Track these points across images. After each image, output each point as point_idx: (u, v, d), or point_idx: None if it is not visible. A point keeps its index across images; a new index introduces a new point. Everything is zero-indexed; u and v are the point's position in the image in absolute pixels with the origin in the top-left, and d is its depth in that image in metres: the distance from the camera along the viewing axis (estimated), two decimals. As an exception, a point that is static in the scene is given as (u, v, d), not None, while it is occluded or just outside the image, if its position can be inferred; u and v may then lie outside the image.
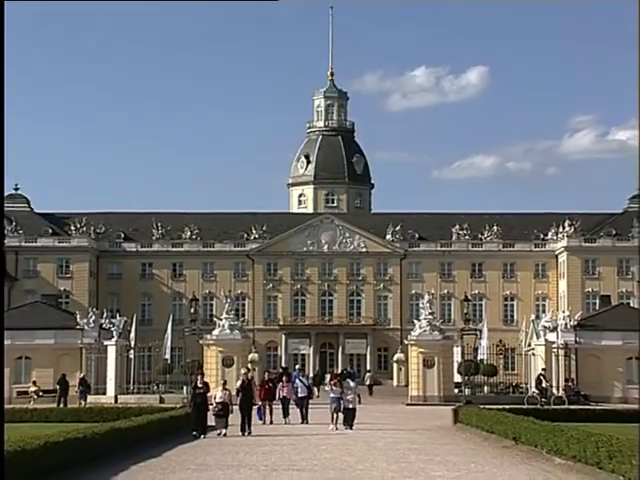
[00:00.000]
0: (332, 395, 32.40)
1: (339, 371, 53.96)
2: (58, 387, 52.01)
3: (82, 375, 53.80)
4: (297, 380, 37.55)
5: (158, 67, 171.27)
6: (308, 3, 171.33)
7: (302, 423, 33.96)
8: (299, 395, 35.83)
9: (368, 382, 65.88)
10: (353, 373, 51.94)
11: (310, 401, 36.72)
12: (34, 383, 55.66)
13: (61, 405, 48.27)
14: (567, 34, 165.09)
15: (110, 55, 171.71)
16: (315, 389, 49.95)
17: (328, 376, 41.99)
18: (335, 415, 31.87)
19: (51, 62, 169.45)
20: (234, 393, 31.21)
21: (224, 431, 28.69)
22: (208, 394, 29.54)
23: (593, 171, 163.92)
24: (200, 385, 29.48)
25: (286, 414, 34.51)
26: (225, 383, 31.97)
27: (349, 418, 31.83)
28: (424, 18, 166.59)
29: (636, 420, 34.20)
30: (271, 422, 33.45)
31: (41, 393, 54.20)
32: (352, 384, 33.59)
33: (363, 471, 18.47)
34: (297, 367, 52.43)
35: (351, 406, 32.10)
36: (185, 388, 52.71)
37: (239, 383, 31.66)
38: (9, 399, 51.87)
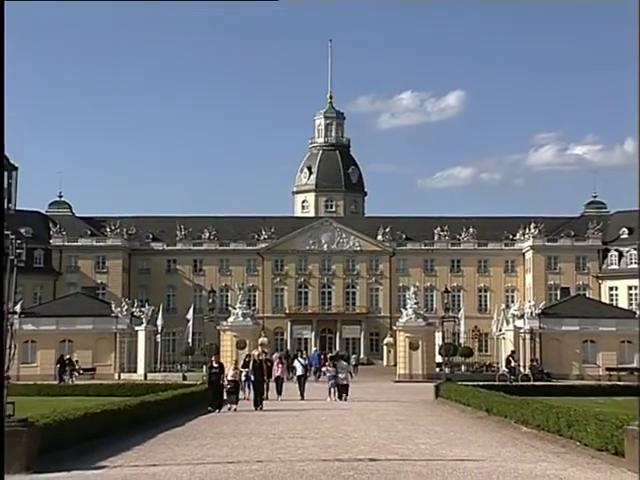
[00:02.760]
0: (328, 374, 33.68)
1: (334, 354, 53.87)
2: (58, 366, 51.67)
3: (67, 356, 53.37)
4: (296, 361, 37.12)
5: (185, 92, 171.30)
6: (312, 37, 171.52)
7: (300, 399, 32.87)
8: (298, 374, 35.23)
9: (353, 363, 65.61)
10: (344, 355, 51.70)
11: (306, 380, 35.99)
12: (76, 362, 55.69)
13: (62, 382, 47.82)
14: (533, 64, 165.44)
15: (136, 78, 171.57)
16: (312, 369, 49.80)
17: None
18: (332, 389, 32.80)
19: (82, 80, 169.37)
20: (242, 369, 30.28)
21: (235, 406, 28.00)
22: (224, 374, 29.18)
23: (554, 181, 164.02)
24: (215, 365, 28.97)
25: (280, 391, 33.21)
26: (236, 363, 31.51)
27: (343, 392, 32.70)
28: (410, 50, 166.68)
29: (590, 394, 34.33)
30: (267, 397, 31.10)
31: (82, 371, 54.24)
32: (344, 364, 34.94)
33: (358, 439, 18.51)
34: (297, 351, 52.36)
35: (344, 382, 33.11)
36: (204, 367, 52.69)
37: (231, 372, 29.49)
38: (54, 376, 51.90)
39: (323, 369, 39.78)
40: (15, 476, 12.63)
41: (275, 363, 35.14)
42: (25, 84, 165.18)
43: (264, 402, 29.37)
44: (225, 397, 28.83)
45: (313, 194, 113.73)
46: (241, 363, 31.61)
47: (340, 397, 32.63)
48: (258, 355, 33.30)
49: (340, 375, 33.13)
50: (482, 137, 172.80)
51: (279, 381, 33.71)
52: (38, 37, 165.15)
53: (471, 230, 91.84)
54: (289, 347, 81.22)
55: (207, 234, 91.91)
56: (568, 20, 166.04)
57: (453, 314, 66.40)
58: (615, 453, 14.74)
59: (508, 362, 52.57)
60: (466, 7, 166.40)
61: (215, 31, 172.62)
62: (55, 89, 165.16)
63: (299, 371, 35.22)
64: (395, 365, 59.65)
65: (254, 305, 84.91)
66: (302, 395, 33.42)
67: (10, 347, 14.05)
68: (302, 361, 36.84)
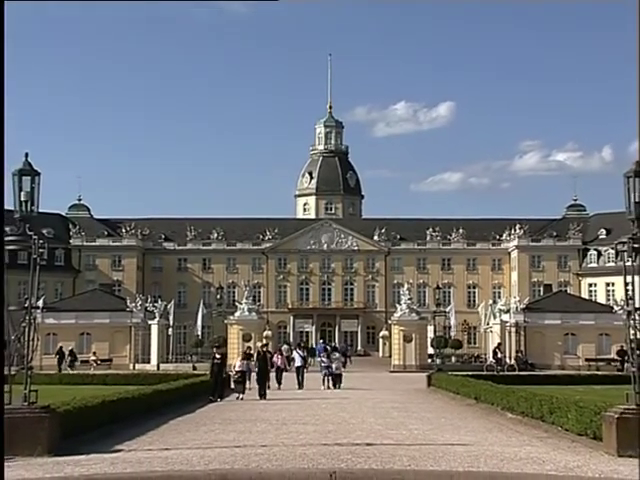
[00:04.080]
0: (322, 364, 34.29)
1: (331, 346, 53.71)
2: (57, 357, 51.61)
3: (70, 348, 53.33)
4: (294, 352, 36.50)
5: (198, 106, 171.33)
6: (313, 51, 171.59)
7: (299, 389, 32.17)
8: (297, 365, 34.60)
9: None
10: (337, 347, 51.15)
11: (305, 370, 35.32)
12: (94, 354, 55.75)
13: (62, 371, 47.73)
14: (518, 77, 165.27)
15: (151, 90, 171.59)
16: (310, 359, 49.37)
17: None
18: (326, 378, 33.27)
19: (102, 92, 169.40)
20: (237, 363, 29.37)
21: (242, 395, 27.50)
22: (230, 363, 28.70)
23: (538, 185, 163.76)
24: (218, 357, 28.54)
25: (279, 381, 32.52)
26: (244, 355, 30.79)
27: (337, 381, 33.16)
28: (404, 63, 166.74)
29: (570, 383, 34.33)
30: (269, 387, 29.99)
31: (99, 362, 54.27)
32: (337, 355, 35.63)
33: (355, 424, 18.50)
34: (295, 343, 51.95)
35: (337, 372, 33.60)
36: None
37: (238, 363, 28.95)
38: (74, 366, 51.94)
39: (317, 359, 39.54)
40: (38, 458, 12.66)
41: (275, 354, 34.84)
42: (51, 96, 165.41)
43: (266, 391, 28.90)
44: (233, 386, 28.46)
45: (314, 197, 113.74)
46: (242, 356, 30.95)
47: (334, 385, 32.93)
48: (262, 346, 33.11)
49: (333, 365, 33.58)
50: (471, 144, 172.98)
51: (279, 371, 33.19)
52: (62, 47, 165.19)
53: (461, 231, 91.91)
54: (292, 340, 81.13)
55: (215, 235, 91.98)
56: (550, 36, 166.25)
57: (444, 309, 66.52)
58: (594, 437, 14.75)
59: (495, 353, 52.61)
60: (457, 24, 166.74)
61: (227, 47, 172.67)
62: (77, 100, 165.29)
63: (297, 362, 34.69)
64: (390, 356, 59.64)
65: (259, 301, 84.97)
66: (300, 385, 32.91)
67: (33, 339, 14.09)
68: (300, 352, 36.20)
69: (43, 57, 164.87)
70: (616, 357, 51.94)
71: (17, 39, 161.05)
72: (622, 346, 50.86)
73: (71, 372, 46.12)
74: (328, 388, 32.78)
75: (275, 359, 33.62)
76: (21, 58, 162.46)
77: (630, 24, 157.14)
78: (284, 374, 33.57)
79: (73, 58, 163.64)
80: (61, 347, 52.94)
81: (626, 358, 50.82)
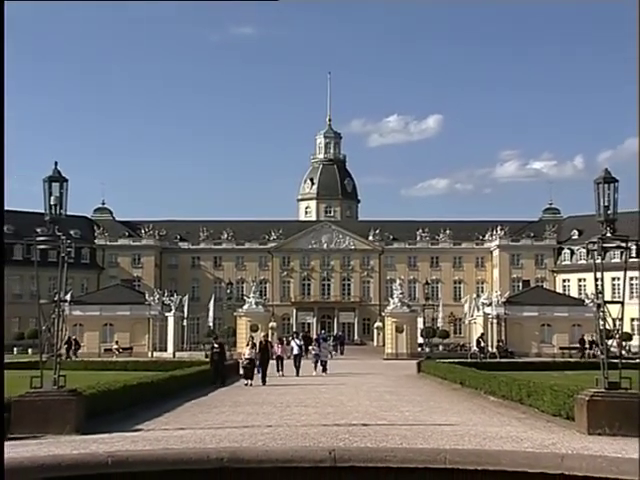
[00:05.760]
0: (313, 352, 34.82)
1: (317, 336, 53.00)
2: (65, 345, 51.07)
3: (74, 337, 52.58)
4: (292, 342, 35.90)
5: (213, 120, 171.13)
6: (314, 71, 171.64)
7: (296, 376, 31.31)
8: (294, 353, 34.02)
9: (332, 343, 63.43)
10: (325, 337, 49.43)
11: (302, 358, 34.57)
12: (116, 343, 55.77)
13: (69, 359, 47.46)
14: (499, 92, 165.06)
15: (162, 107, 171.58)
16: (316, 348, 48.89)
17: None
18: (316, 365, 33.60)
19: (120, 104, 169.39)
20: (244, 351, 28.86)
21: (250, 381, 26.92)
22: (240, 352, 28.25)
23: (517, 191, 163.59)
24: (216, 346, 28.13)
25: (280, 369, 31.85)
26: (252, 344, 29.74)
27: (325, 367, 33.59)
28: (396, 80, 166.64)
29: (546, 369, 34.34)
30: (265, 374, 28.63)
31: (121, 350, 54.28)
32: (326, 344, 36.50)
33: (352, 407, 18.50)
34: (295, 333, 51.40)
35: (325, 359, 34.21)
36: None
37: (247, 351, 28.16)
38: (98, 354, 51.94)
39: (309, 348, 39.20)
40: (67, 436, 12.70)
41: (276, 344, 34.47)
42: (79, 111, 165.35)
43: (267, 378, 28.19)
44: (242, 372, 27.97)
45: (314, 201, 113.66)
46: (250, 345, 30.11)
47: (324, 370, 33.16)
48: (263, 337, 32.77)
49: (323, 353, 34.22)
50: (456, 153, 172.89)
51: (279, 360, 32.59)
52: (79, 63, 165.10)
53: (447, 232, 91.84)
54: (295, 330, 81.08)
55: (225, 235, 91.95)
56: (527, 58, 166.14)
57: (432, 302, 66.52)
58: (567, 418, 14.78)
59: (478, 342, 52.65)
60: (444, 45, 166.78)
61: (239, 67, 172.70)
62: (103, 117, 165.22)
63: (295, 351, 34.04)
64: (384, 345, 59.69)
65: (265, 295, 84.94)
66: (297, 372, 32.27)
67: (62, 329, 14.13)
68: (298, 342, 35.56)
69: (74, 74, 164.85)
70: (578, 345, 51.98)
71: (44, 54, 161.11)
72: (583, 335, 51.03)
73: (74, 359, 45.33)
74: (320, 373, 32.70)
75: (276, 348, 33.30)
76: (58, 75, 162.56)
77: (600, 43, 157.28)
78: (284, 362, 33.14)
79: (95, 73, 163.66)
80: (69, 337, 52.61)
81: (586, 346, 51.19)
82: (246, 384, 26.82)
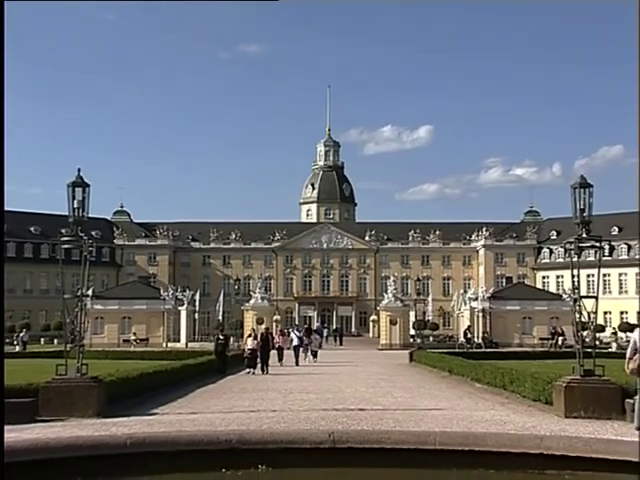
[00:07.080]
0: (305, 343, 34.43)
1: (313, 328, 52.65)
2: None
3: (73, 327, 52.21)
4: (292, 333, 35.34)
5: (225, 131, 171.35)
6: (315, 85, 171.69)
7: (296, 365, 30.60)
8: (293, 344, 33.24)
9: (325, 334, 62.16)
10: (316, 330, 48.63)
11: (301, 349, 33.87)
12: (134, 334, 55.70)
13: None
14: (483, 105, 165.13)
15: (178, 120, 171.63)
16: (306, 339, 48.11)
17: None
18: (305, 354, 33.50)
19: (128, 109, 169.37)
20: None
21: (254, 370, 26.56)
22: (243, 343, 27.75)
23: (500, 195, 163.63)
24: (221, 338, 27.76)
25: (280, 359, 31.10)
26: (256, 336, 28.91)
27: (315, 356, 33.83)
28: (391, 94, 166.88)
29: (527, 358, 34.28)
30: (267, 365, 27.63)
31: (138, 341, 54.24)
32: (317, 337, 36.10)
33: (350, 393, 18.50)
34: (295, 325, 51.31)
35: (315, 349, 34.43)
36: (232, 339, 52.33)
37: (250, 342, 27.56)
38: (117, 344, 51.90)
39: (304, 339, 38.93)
40: (89, 420, 12.72)
41: (277, 336, 33.98)
42: (101, 120, 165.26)
43: (269, 367, 27.65)
44: (246, 362, 27.47)
45: (315, 205, 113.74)
46: (253, 336, 29.12)
47: (314, 357, 33.48)
48: (265, 329, 32.41)
49: (314, 343, 34.39)
50: (445, 161, 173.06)
51: (280, 350, 32.05)
52: (93, 74, 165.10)
53: (437, 233, 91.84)
54: (297, 322, 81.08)
55: (234, 236, 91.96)
56: (509, 70, 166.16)
57: (423, 297, 66.60)
58: (546, 402, 14.80)
59: (465, 334, 52.60)
60: (433, 61, 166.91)
61: (248, 83, 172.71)
62: (122, 124, 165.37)
63: (295, 342, 33.30)
64: (379, 337, 59.63)
65: (270, 290, 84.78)
66: (297, 362, 31.55)
67: (84, 322, 14.18)
68: (297, 334, 34.77)
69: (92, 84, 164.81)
70: (549, 336, 51.90)
71: (65, 65, 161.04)
72: (554, 327, 50.91)
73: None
74: (311, 362, 32.64)
75: (277, 340, 32.76)
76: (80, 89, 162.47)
77: (576, 55, 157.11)
78: (284, 352, 32.65)
79: (111, 83, 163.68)
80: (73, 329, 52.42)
81: (557, 337, 51.20)
82: (248, 372, 26.53)
